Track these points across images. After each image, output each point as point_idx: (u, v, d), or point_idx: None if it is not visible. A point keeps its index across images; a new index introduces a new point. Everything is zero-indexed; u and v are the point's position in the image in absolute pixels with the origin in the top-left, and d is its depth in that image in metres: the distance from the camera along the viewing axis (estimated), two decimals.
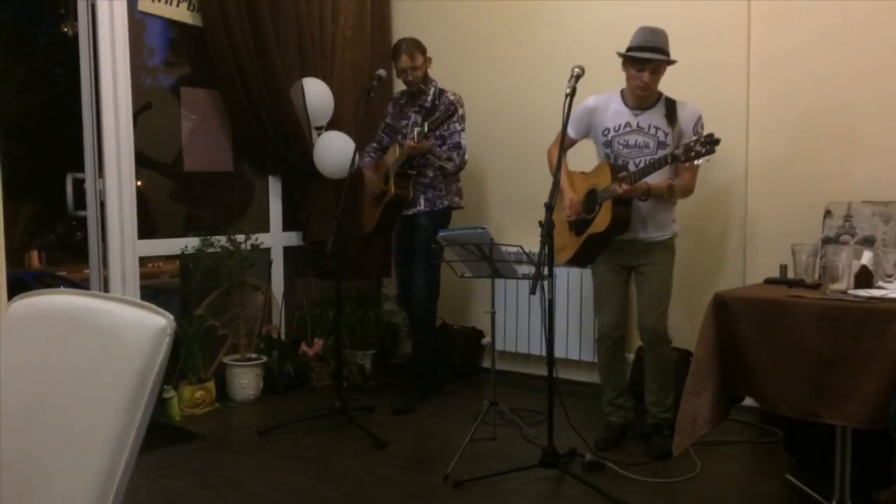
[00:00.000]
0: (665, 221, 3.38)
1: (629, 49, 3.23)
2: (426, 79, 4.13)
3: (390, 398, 4.21)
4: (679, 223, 3.48)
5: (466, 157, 4.12)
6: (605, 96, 3.42)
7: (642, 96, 3.31)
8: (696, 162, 3.02)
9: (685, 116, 3.28)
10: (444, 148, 4.02)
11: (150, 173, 4.62)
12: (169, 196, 4.84)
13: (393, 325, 5.01)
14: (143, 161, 4.32)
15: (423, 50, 4.11)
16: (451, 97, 4.10)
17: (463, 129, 4.08)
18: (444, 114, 3.81)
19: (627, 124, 3.35)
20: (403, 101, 4.28)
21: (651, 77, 3.23)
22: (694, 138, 3.05)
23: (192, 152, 4.54)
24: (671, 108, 3.29)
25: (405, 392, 4.19)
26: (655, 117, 3.30)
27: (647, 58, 3.19)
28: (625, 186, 3.13)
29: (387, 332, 4.98)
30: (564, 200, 3.43)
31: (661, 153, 3.21)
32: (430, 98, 4.13)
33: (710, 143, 2.94)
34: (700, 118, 3.28)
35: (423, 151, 3.94)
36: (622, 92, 3.40)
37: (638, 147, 3.33)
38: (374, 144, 4.41)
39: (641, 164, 3.24)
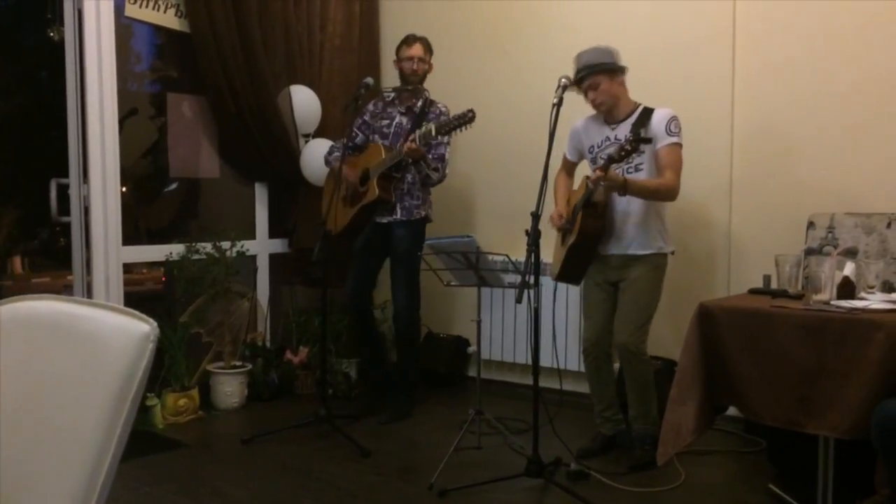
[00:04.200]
0: (645, 237, 3.36)
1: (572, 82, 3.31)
2: (423, 80, 4.06)
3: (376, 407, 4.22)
4: (671, 242, 3.44)
5: (448, 170, 4.03)
6: (590, 117, 3.49)
7: (606, 111, 3.38)
8: (617, 165, 3.09)
9: (657, 119, 3.29)
10: (430, 157, 3.91)
11: (133, 179, 4.60)
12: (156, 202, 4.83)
13: (380, 333, 4.99)
14: None
15: (432, 52, 4.07)
16: (442, 108, 4.03)
17: (449, 143, 3.97)
18: (457, 119, 3.59)
19: (607, 138, 3.41)
20: (389, 98, 4.14)
21: (594, 93, 3.31)
22: (629, 137, 3.06)
23: (178, 158, 4.52)
24: (645, 116, 3.33)
25: (394, 402, 4.14)
26: (630, 128, 3.34)
27: (580, 80, 3.29)
28: (598, 173, 3.11)
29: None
30: (553, 213, 3.48)
31: (636, 160, 3.24)
32: (419, 103, 4.06)
33: (637, 141, 3.00)
34: (672, 118, 3.27)
35: (420, 156, 3.79)
36: None
37: None
38: (346, 141, 4.03)
39: (621, 174, 3.26)
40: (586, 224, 3.31)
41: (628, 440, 3.47)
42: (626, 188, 3.16)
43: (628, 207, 3.33)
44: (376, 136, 4.10)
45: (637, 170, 3.30)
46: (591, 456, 3.42)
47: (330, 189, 4.06)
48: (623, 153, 3.01)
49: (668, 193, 3.30)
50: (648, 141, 3.07)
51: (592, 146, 3.45)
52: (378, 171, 3.89)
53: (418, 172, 3.94)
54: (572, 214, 3.41)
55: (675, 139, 3.25)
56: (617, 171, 3.18)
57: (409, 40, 4.05)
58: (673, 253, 3.45)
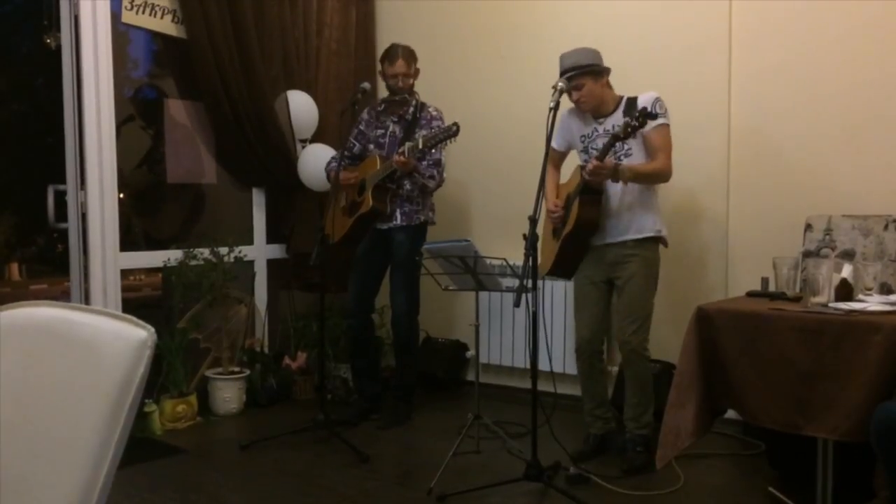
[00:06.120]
0: (641, 219, 3.36)
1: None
2: (411, 90, 4.05)
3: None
4: (664, 226, 3.43)
5: (445, 174, 4.04)
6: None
7: (591, 110, 3.40)
8: (627, 142, 3.16)
9: (642, 104, 3.29)
10: (425, 164, 3.90)
11: (130, 185, 4.60)
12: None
13: (377, 338, 4.99)
14: None
15: (416, 59, 4.04)
16: (434, 112, 4.03)
17: (443, 147, 3.92)
18: (442, 133, 3.63)
19: (595, 129, 3.43)
20: (381, 109, 4.13)
21: (579, 93, 3.32)
22: (635, 114, 3.08)
23: (176, 164, 4.52)
24: (631, 105, 3.34)
25: (392, 407, 4.14)
26: (617, 119, 3.35)
27: (566, 81, 3.28)
28: (593, 163, 3.14)
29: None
30: (549, 204, 3.47)
31: (626, 145, 3.26)
32: (411, 110, 4.05)
33: (644, 116, 3.04)
34: (656, 100, 3.29)
35: (410, 169, 3.80)
36: None
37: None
38: (344, 152, 4.13)
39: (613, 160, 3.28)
40: (583, 212, 3.30)
41: (621, 443, 3.46)
42: (618, 174, 3.18)
43: (621, 192, 3.33)
44: (372, 146, 4.10)
45: (627, 155, 3.31)
46: (585, 458, 3.41)
47: (332, 198, 4.12)
48: (630, 129, 3.04)
49: (661, 176, 3.34)
50: (655, 116, 3.13)
51: (584, 136, 3.46)
52: (373, 182, 3.90)
53: (414, 183, 3.96)
54: (566, 204, 3.41)
55: (662, 120, 3.28)
56: (609, 157, 3.21)
57: (391, 57, 4.01)
58: (666, 244, 3.44)
